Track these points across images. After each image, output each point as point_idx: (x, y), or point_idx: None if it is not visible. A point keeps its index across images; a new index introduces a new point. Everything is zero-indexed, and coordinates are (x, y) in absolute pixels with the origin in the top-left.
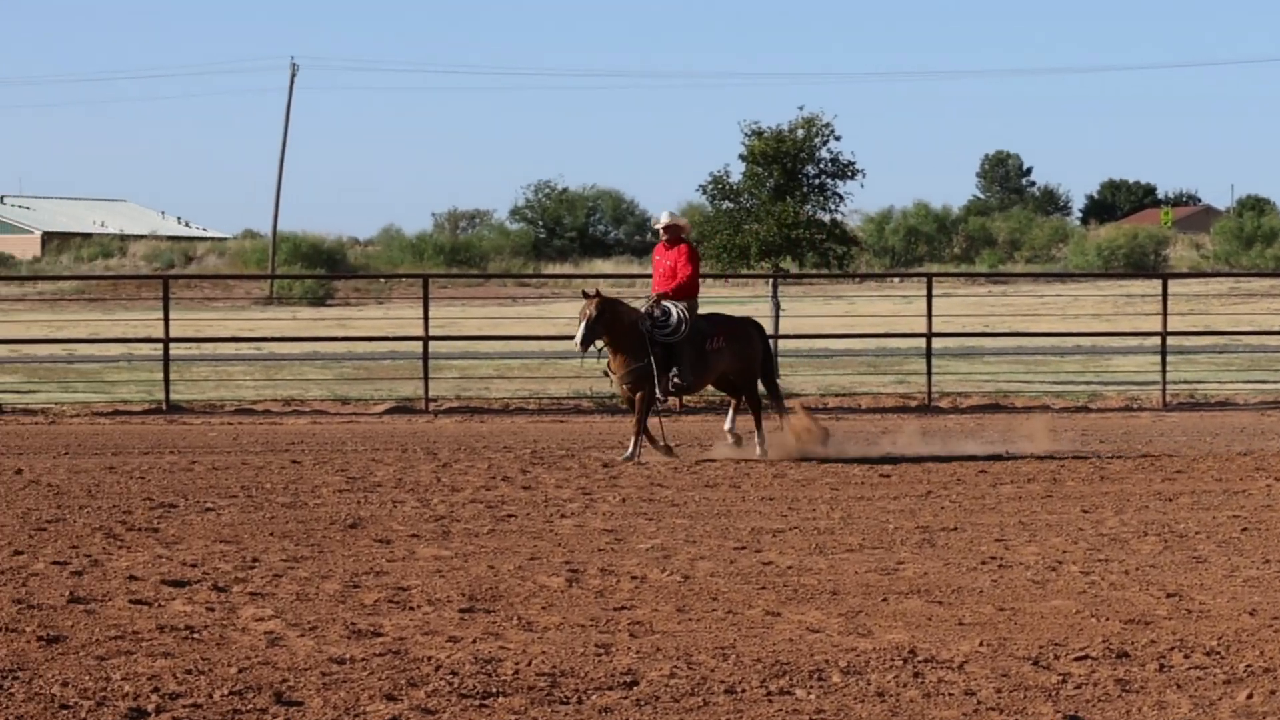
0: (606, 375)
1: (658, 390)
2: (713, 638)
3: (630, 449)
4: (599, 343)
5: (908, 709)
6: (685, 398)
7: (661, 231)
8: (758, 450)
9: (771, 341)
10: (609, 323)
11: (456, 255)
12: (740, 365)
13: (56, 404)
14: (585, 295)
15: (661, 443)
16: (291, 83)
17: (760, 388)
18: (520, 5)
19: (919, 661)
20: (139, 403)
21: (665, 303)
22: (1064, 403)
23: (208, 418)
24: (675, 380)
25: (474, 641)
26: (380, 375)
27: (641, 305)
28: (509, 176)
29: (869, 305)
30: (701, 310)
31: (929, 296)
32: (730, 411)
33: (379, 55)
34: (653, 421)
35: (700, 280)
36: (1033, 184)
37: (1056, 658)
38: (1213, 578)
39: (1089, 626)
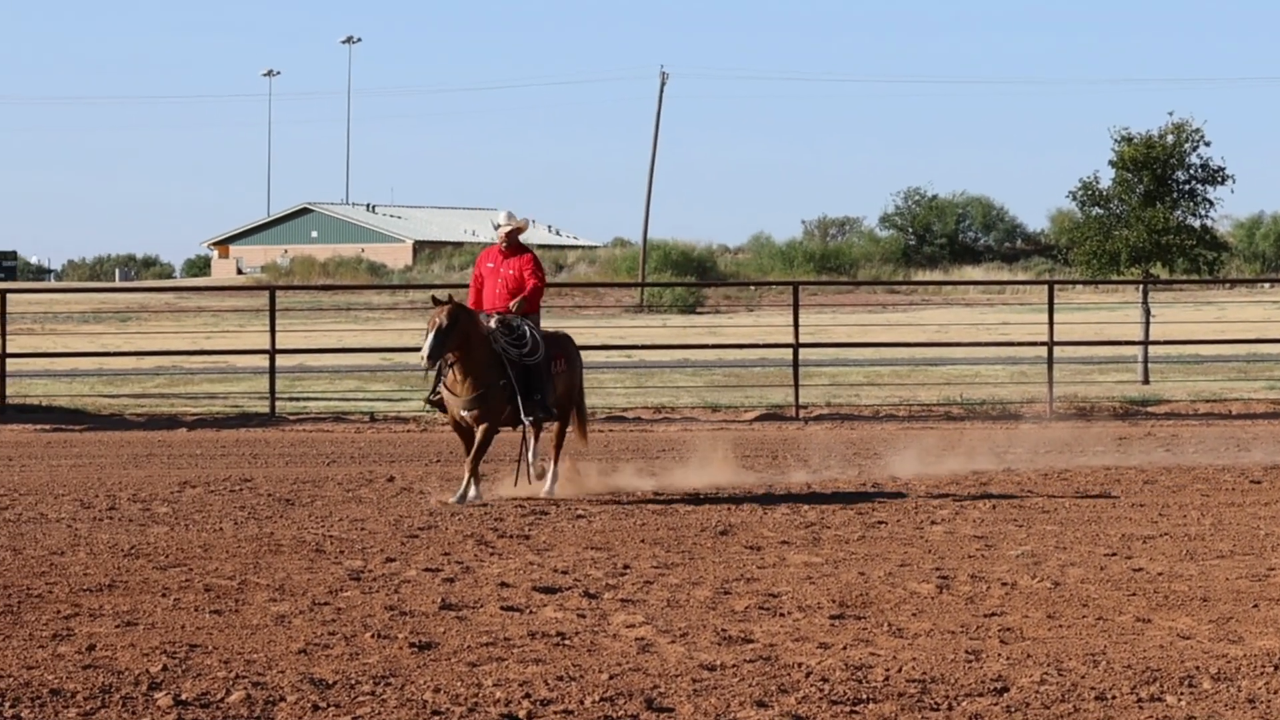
0: (431, 402)
1: (523, 416)
2: (1083, 644)
3: (463, 489)
4: (449, 356)
5: (1279, 716)
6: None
7: (501, 235)
8: (547, 487)
9: (1141, 348)
10: (463, 335)
11: (826, 262)
12: (574, 387)
13: (428, 412)
14: (436, 301)
15: (533, 471)
16: (661, 91)
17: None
18: (888, 13)
19: None
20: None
21: (510, 319)
22: None
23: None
24: (538, 407)
25: (844, 648)
26: (750, 382)
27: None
28: (878, 183)
29: (1239, 311)
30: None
31: None
32: (533, 441)
33: (747, 63)
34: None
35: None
36: None
37: None
38: None
39: None
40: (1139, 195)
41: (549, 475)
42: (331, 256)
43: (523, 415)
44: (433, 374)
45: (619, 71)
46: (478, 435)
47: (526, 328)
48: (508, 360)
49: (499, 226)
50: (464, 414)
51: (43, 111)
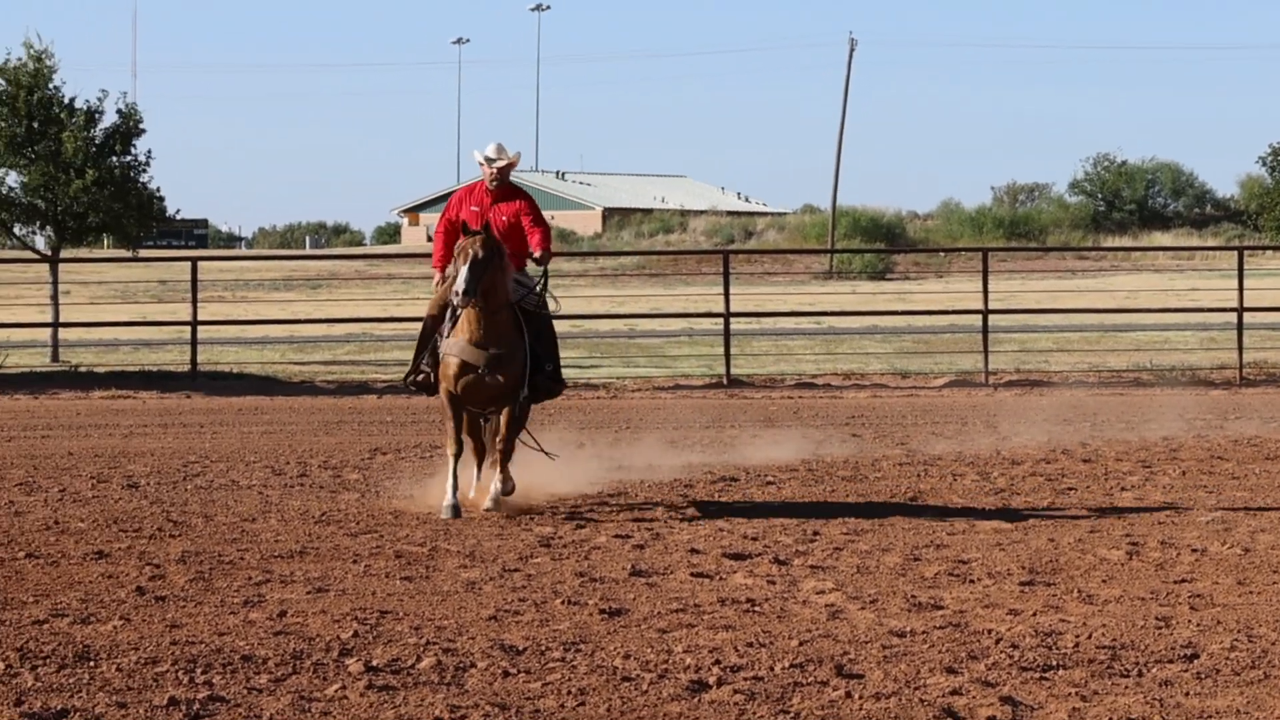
0: (416, 383)
1: (523, 390)
2: (1273, 611)
3: (498, 486)
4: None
5: None
6: None
7: (491, 173)
8: (495, 490)
9: None
10: (497, 274)
11: (1015, 228)
12: None
13: (618, 379)
14: (466, 232)
15: (498, 486)
16: (850, 58)
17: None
18: None
19: None
20: (699, 377)
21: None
22: None
23: (768, 391)
24: (550, 379)
25: (1034, 614)
26: (939, 349)
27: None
28: (1067, 149)
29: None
30: None
31: None
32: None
33: (936, 29)
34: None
35: None
36: None
37: None
38: None
39: None
40: None
41: (495, 476)
42: None
43: (524, 389)
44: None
45: (808, 38)
46: (504, 415)
47: (539, 282)
48: (524, 318)
49: (491, 161)
50: (489, 376)
51: (234, 79)
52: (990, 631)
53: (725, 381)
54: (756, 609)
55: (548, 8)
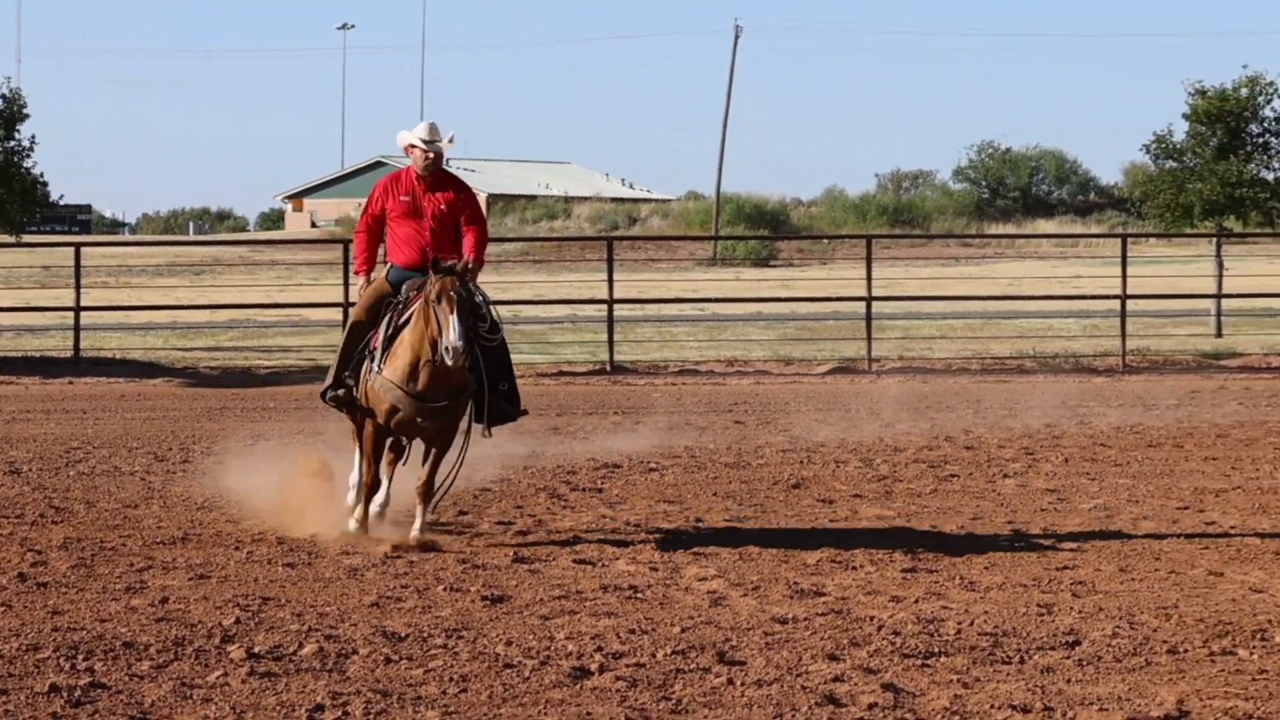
0: (336, 398)
1: (485, 420)
2: (1155, 598)
3: (421, 519)
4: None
5: None
6: None
7: (419, 154)
8: (419, 525)
9: (1214, 301)
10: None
11: (899, 216)
12: None
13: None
14: (435, 268)
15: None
16: (735, 44)
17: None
18: None
19: None
20: (583, 363)
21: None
22: None
23: (651, 378)
24: (504, 401)
25: (916, 601)
26: (823, 336)
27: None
28: (952, 137)
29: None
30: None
31: None
32: (395, 466)
33: (823, 16)
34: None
35: None
36: None
37: None
38: None
39: None
40: (1213, 148)
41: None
42: None
43: (485, 419)
44: (384, 349)
45: (694, 24)
46: (432, 455)
47: (480, 295)
48: (476, 344)
49: (429, 144)
50: (423, 420)
51: (119, 64)
52: (872, 618)
53: (609, 368)
54: (639, 596)
55: None
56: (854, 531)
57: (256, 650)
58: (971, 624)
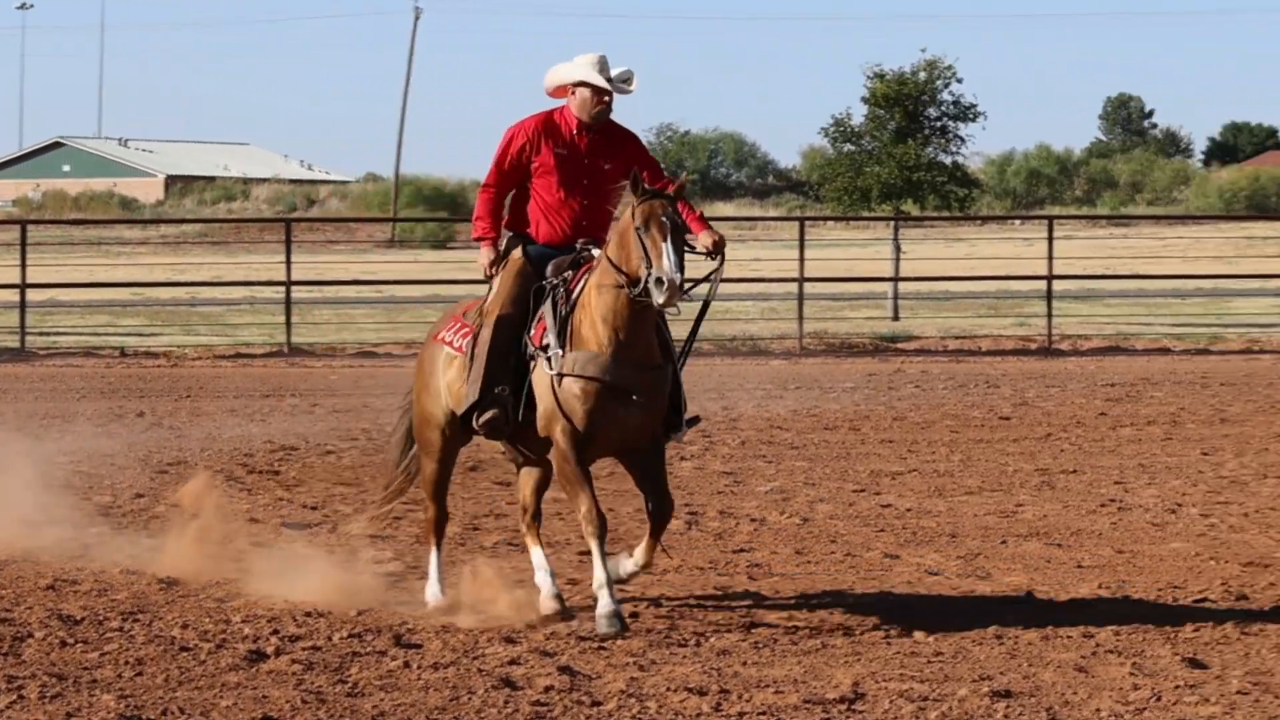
0: (487, 417)
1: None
2: (831, 580)
3: (605, 585)
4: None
5: (1025, 651)
6: None
7: (591, 98)
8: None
9: (891, 284)
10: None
11: None
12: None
13: (179, 347)
14: (638, 189)
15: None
16: (415, 25)
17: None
18: None
19: (1037, 604)
20: (261, 345)
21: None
22: (1185, 345)
23: (329, 360)
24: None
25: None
26: None
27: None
28: (631, 119)
29: (990, 248)
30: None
31: (1050, 239)
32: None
33: None
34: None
35: None
36: (1154, 126)
37: (1175, 600)
38: None
39: (1208, 569)
40: (891, 132)
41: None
42: (83, 191)
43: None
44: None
45: (372, 6)
46: (647, 466)
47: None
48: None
49: (608, 85)
50: (632, 410)
51: None
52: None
53: (286, 350)
54: (315, 579)
55: None
56: None
57: None
58: (648, 607)
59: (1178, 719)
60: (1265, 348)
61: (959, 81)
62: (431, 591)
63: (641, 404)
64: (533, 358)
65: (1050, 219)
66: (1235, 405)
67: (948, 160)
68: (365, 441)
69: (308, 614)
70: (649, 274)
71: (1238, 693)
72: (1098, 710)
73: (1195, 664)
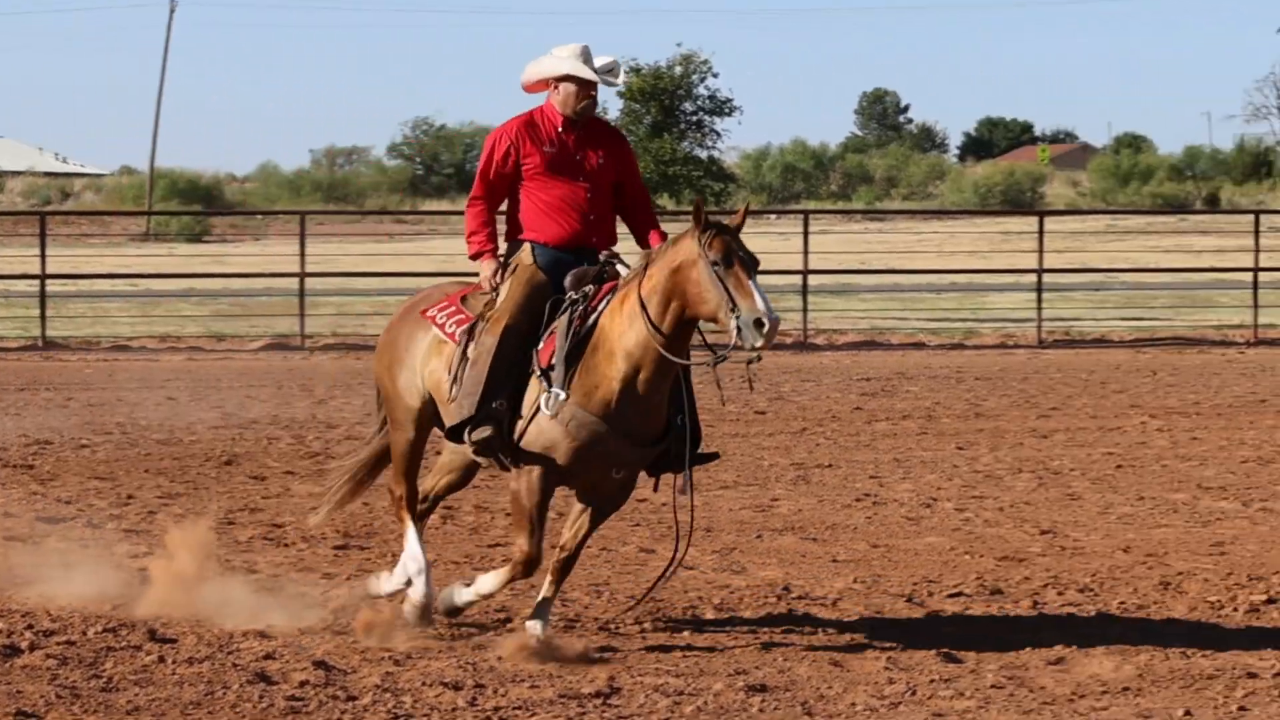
0: (483, 435)
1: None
2: (586, 575)
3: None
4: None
5: (781, 645)
6: None
7: (575, 91)
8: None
9: None
10: None
11: (334, 192)
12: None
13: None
14: (702, 220)
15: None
16: (170, 17)
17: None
18: None
19: (793, 599)
20: (15, 339)
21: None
22: (940, 340)
23: (84, 354)
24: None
25: (348, 579)
26: (257, 312)
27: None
28: (387, 113)
29: (745, 242)
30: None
31: (805, 233)
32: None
33: None
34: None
35: None
36: (910, 121)
37: (930, 595)
38: (1086, 515)
39: (963, 563)
40: (647, 126)
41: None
42: None
43: (686, 464)
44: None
45: None
46: (594, 517)
47: None
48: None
49: (600, 72)
50: (619, 472)
51: None
52: (304, 595)
53: (41, 344)
54: (71, 573)
55: None
56: (286, 508)
57: None
58: (401, 600)
59: (933, 713)
60: (1019, 342)
61: (715, 76)
62: (411, 552)
63: (620, 471)
64: (534, 374)
65: (806, 213)
66: (990, 400)
67: (704, 155)
68: (120, 436)
69: (62, 608)
70: (737, 316)
71: (992, 686)
72: (853, 704)
73: (950, 658)
